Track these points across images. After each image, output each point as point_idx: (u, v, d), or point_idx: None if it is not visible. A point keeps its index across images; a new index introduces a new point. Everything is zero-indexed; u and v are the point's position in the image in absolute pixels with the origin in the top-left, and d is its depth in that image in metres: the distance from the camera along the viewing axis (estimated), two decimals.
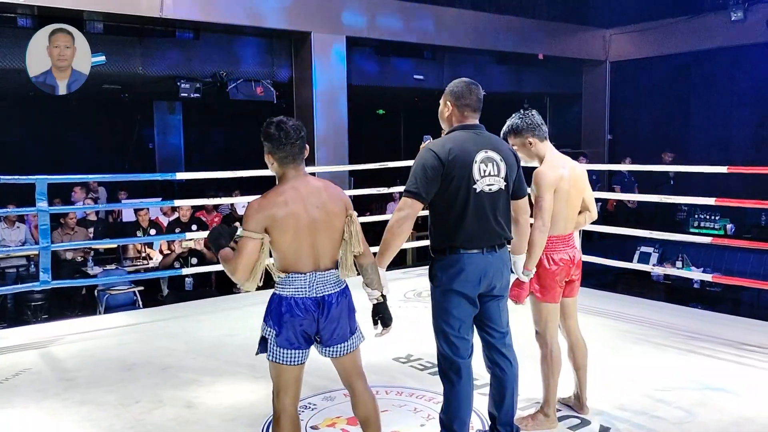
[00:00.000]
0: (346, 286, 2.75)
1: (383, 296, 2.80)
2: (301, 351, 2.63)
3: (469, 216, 2.84)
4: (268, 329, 2.65)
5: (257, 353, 2.73)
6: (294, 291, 2.61)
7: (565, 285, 3.40)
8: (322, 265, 2.65)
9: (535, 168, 3.33)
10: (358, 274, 2.77)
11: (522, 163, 3.18)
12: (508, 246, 3.05)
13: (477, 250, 2.86)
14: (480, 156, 2.85)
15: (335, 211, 2.66)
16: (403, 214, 2.84)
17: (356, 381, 2.78)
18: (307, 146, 2.71)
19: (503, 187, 2.91)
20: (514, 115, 3.42)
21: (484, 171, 2.85)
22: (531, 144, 3.35)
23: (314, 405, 3.65)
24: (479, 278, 2.87)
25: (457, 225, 2.85)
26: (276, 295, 2.66)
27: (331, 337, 2.66)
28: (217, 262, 7.56)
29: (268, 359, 2.66)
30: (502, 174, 2.90)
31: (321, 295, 2.63)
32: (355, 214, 2.74)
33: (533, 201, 3.26)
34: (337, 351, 2.70)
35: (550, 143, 3.41)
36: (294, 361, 2.63)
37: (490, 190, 2.87)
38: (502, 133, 3.38)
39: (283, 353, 2.61)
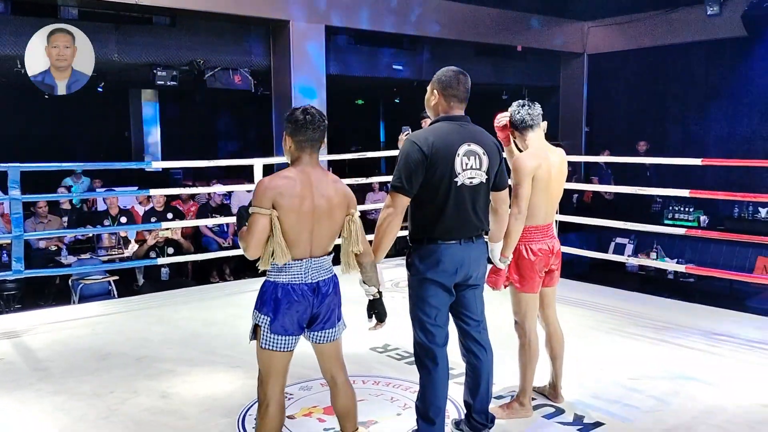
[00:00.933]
0: (335, 273, 2.79)
1: (379, 292, 2.88)
2: (294, 337, 2.67)
3: (449, 209, 2.85)
4: (262, 316, 2.66)
5: (250, 341, 2.75)
6: (291, 277, 2.64)
7: (545, 275, 3.43)
8: (316, 253, 2.69)
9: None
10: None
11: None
12: (486, 236, 3.08)
13: (454, 241, 2.89)
14: (463, 149, 2.86)
15: (338, 204, 2.71)
16: (390, 211, 2.86)
17: (337, 372, 2.81)
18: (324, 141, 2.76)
19: (484, 181, 2.92)
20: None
21: (466, 164, 2.86)
22: (513, 136, 3.48)
23: (291, 394, 3.65)
24: (456, 268, 2.90)
25: (437, 217, 2.87)
26: (270, 282, 2.67)
27: (322, 321, 2.71)
28: (193, 253, 7.56)
29: (261, 347, 2.67)
30: (484, 167, 2.91)
31: (315, 281, 2.68)
32: (357, 214, 2.77)
33: (511, 189, 3.29)
34: (325, 336, 2.74)
35: (538, 133, 3.43)
36: (287, 347, 2.66)
37: (470, 183, 2.88)
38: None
39: (277, 339, 2.64)
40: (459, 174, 2.85)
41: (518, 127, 3.42)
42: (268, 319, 2.64)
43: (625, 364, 4.19)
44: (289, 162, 2.74)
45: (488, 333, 3.10)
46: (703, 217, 10.11)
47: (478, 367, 3.03)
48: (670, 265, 7.96)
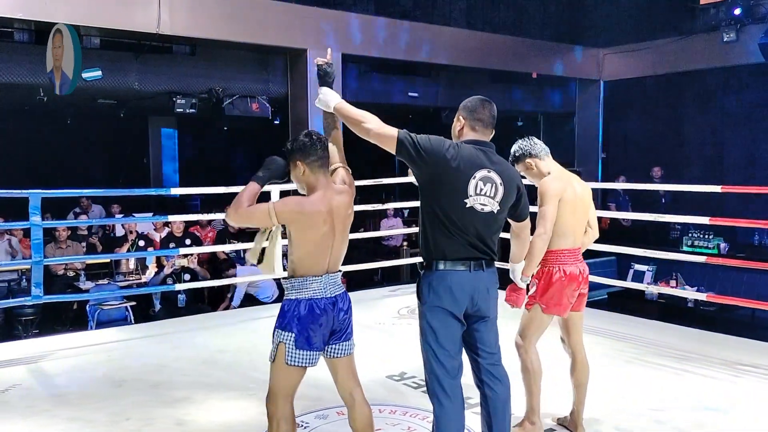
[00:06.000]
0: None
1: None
2: (317, 353, 2.75)
3: (457, 229, 2.80)
4: (285, 334, 2.70)
5: (271, 360, 2.77)
6: (312, 293, 2.72)
7: (575, 299, 3.44)
8: (333, 269, 2.80)
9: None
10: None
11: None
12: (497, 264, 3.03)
13: (464, 268, 2.82)
14: (480, 173, 2.81)
15: (350, 215, 2.86)
16: (380, 131, 2.87)
17: (355, 388, 2.87)
18: None
19: (495, 211, 2.85)
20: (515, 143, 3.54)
21: (481, 189, 2.80)
22: (532, 165, 3.47)
23: (307, 423, 3.61)
24: (466, 296, 2.82)
25: (445, 236, 2.81)
26: (292, 300, 2.73)
27: (340, 335, 2.80)
28: (210, 279, 7.58)
29: (287, 363, 2.70)
30: (498, 198, 2.85)
31: (333, 295, 2.77)
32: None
33: (538, 211, 3.30)
34: (343, 350, 2.82)
35: (553, 160, 3.52)
36: (311, 362, 2.73)
37: (482, 209, 2.81)
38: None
39: (302, 355, 2.69)
40: (470, 196, 2.79)
41: (539, 154, 3.46)
42: (293, 335, 2.68)
43: (646, 395, 4.12)
44: (306, 191, 2.80)
45: (502, 364, 3.01)
46: (723, 245, 9.99)
47: (492, 399, 2.95)
48: (691, 294, 7.85)
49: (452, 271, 2.82)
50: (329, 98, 3.04)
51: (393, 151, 2.82)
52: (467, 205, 2.79)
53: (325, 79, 3.07)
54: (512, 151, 3.51)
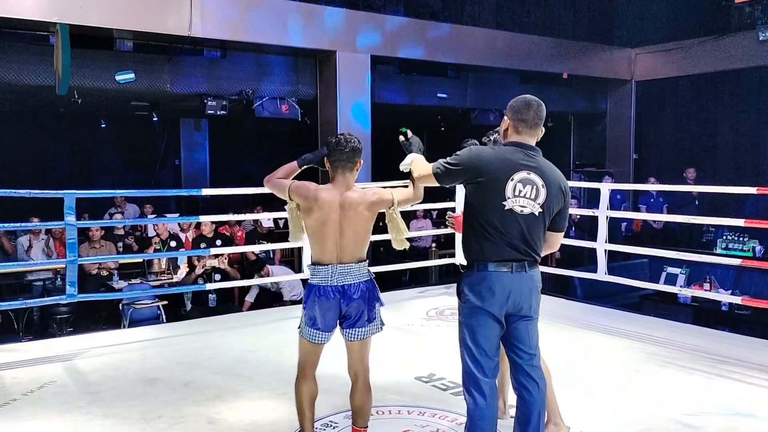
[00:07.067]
0: (370, 279, 3.14)
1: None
2: (321, 333, 3.08)
3: (496, 231, 2.80)
4: (302, 310, 3.13)
5: (297, 328, 3.19)
6: (319, 280, 3.07)
7: None
8: (344, 259, 3.08)
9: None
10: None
11: None
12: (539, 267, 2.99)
13: (506, 269, 2.82)
14: (519, 175, 2.80)
15: (364, 209, 3.09)
16: (423, 175, 3.07)
17: (360, 371, 3.16)
18: (360, 161, 3.18)
19: (536, 213, 2.82)
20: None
21: (519, 191, 2.79)
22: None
23: (336, 423, 3.63)
24: (506, 297, 2.82)
25: (485, 239, 2.82)
26: (308, 284, 3.14)
27: (351, 321, 3.09)
28: (240, 279, 7.66)
29: (299, 334, 3.14)
30: (540, 200, 2.82)
31: (342, 284, 3.05)
32: (395, 207, 3.19)
33: None
34: (353, 334, 3.11)
35: None
36: (313, 339, 3.10)
37: (521, 211, 2.80)
38: None
39: (307, 331, 3.11)
40: (508, 198, 2.79)
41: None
42: (304, 312, 3.11)
43: (679, 399, 4.05)
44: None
45: (540, 366, 2.99)
46: (758, 247, 9.78)
47: (529, 401, 2.93)
48: (726, 297, 7.69)
49: (493, 272, 2.82)
50: (406, 161, 3.25)
51: (438, 184, 3.01)
52: (506, 207, 2.79)
53: (406, 149, 3.32)
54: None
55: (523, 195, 2.80)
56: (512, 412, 3.16)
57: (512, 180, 2.79)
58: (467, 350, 2.89)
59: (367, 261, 3.15)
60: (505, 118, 2.96)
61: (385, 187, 3.26)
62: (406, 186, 3.24)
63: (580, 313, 6.24)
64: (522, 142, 2.90)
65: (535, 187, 2.82)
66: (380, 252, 9.67)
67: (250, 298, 7.89)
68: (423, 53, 10.33)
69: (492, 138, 3.58)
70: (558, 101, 13.52)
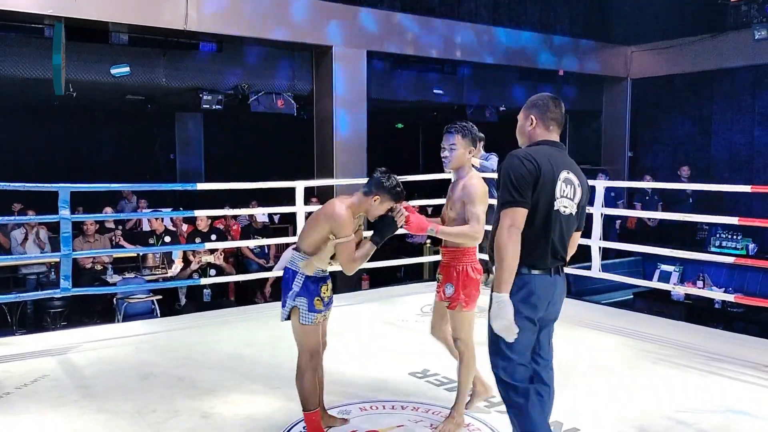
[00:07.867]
0: (297, 267, 3.25)
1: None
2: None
3: (546, 233, 2.69)
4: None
5: None
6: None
7: None
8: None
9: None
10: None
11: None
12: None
13: (546, 272, 2.72)
14: (563, 175, 2.72)
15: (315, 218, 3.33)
16: (508, 224, 2.60)
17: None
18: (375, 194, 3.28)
19: (573, 213, 2.77)
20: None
21: (564, 191, 2.71)
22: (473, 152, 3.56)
23: (348, 411, 3.63)
24: (546, 302, 2.73)
25: (535, 242, 2.67)
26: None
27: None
28: (234, 274, 7.64)
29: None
30: (576, 200, 2.77)
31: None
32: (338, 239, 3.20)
33: (468, 211, 3.37)
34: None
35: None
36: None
37: (564, 212, 2.72)
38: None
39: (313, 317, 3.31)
40: (557, 198, 2.70)
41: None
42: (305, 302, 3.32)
43: (672, 396, 4.07)
44: None
45: (553, 368, 2.93)
46: (751, 245, 9.83)
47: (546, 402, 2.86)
48: (719, 295, 7.73)
49: (537, 275, 2.71)
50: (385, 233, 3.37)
51: (526, 210, 2.63)
52: (555, 208, 2.71)
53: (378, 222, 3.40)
54: (462, 125, 3.49)
55: (566, 195, 2.73)
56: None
57: (559, 180, 2.71)
58: (505, 360, 2.73)
59: (299, 249, 3.28)
60: (531, 117, 2.83)
61: (358, 230, 3.38)
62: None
63: (574, 311, 6.25)
64: (556, 141, 2.83)
65: (573, 186, 2.76)
66: (379, 251, 9.67)
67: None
68: (420, 49, 10.33)
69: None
70: None
